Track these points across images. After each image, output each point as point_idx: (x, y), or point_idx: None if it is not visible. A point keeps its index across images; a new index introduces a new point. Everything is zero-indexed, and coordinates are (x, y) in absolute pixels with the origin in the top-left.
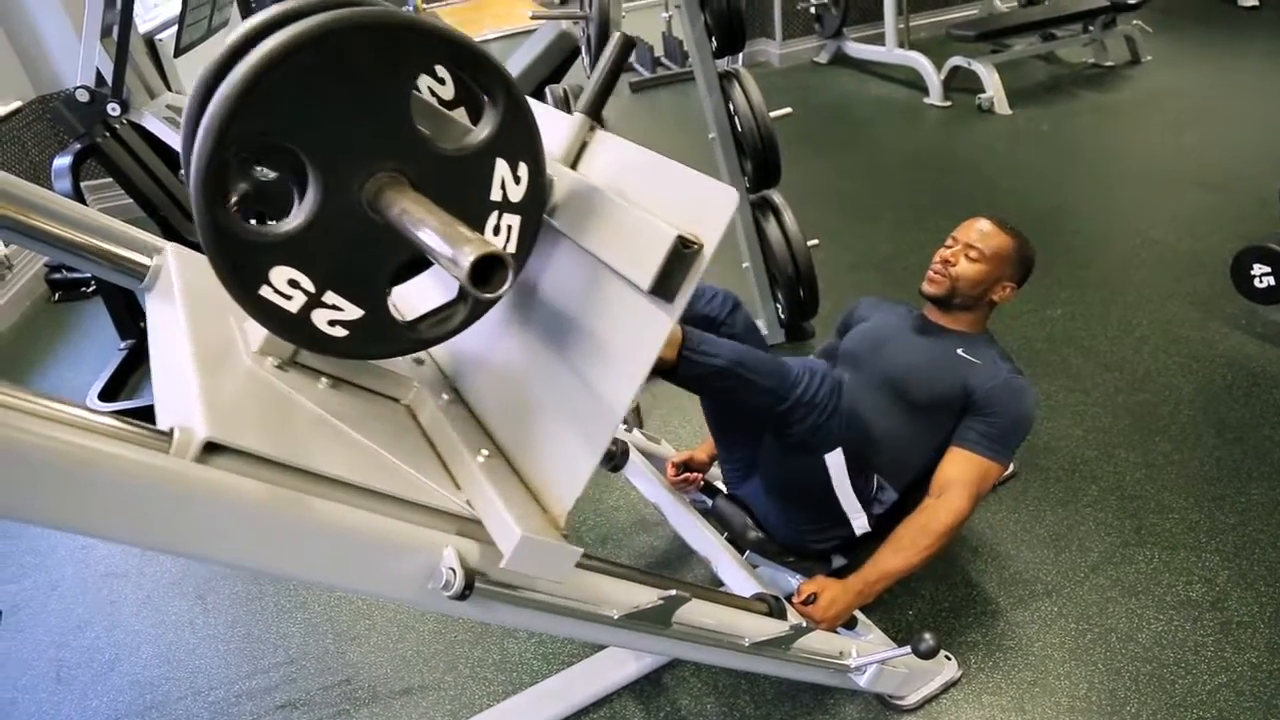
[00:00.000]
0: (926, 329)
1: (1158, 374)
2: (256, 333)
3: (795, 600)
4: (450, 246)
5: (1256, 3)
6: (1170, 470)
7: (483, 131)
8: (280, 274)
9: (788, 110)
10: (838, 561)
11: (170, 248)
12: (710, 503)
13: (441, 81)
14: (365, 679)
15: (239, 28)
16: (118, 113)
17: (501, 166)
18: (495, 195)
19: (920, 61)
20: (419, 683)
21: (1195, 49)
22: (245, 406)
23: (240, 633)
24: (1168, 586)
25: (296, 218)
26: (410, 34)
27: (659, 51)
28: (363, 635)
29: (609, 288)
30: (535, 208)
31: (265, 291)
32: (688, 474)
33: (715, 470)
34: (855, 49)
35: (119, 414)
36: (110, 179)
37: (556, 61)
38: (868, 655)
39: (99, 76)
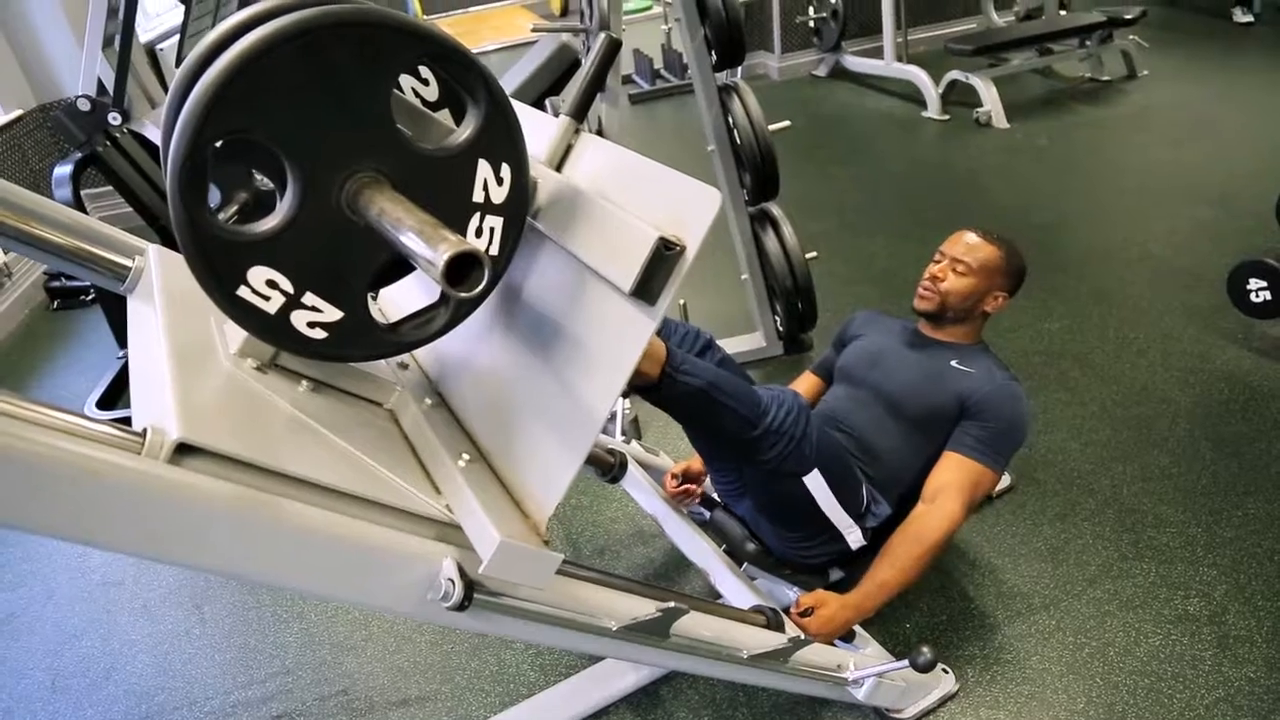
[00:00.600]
0: (920, 344)
1: (1155, 387)
2: (236, 334)
3: (793, 613)
4: (427, 246)
5: (1252, 18)
6: (1167, 484)
7: (464, 132)
8: (258, 274)
9: (786, 123)
10: (835, 574)
11: (152, 249)
12: (708, 515)
13: (425, 82)
14: (362, 690)
15: (220, 24)
16: (119, 122)
17: (484, 168)
18: (477, 197)
19: (918, 75)
20: (416, 694)
21: (1191, 64)
22: (221, 408)
23: (237, 643)
24: (1165, 600)
25: (275, 217)
26: (391, 32)
27: (658, 64)
28: (359, 646)
29: (592, 291)
30: (518, 210)
31: (243, 292)
32: (686, 485)
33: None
34: (854, 62)
35: (116, 422)
36: (110, 187)
37: (557, 74)
38: (865, 668)
39: (100, 86)
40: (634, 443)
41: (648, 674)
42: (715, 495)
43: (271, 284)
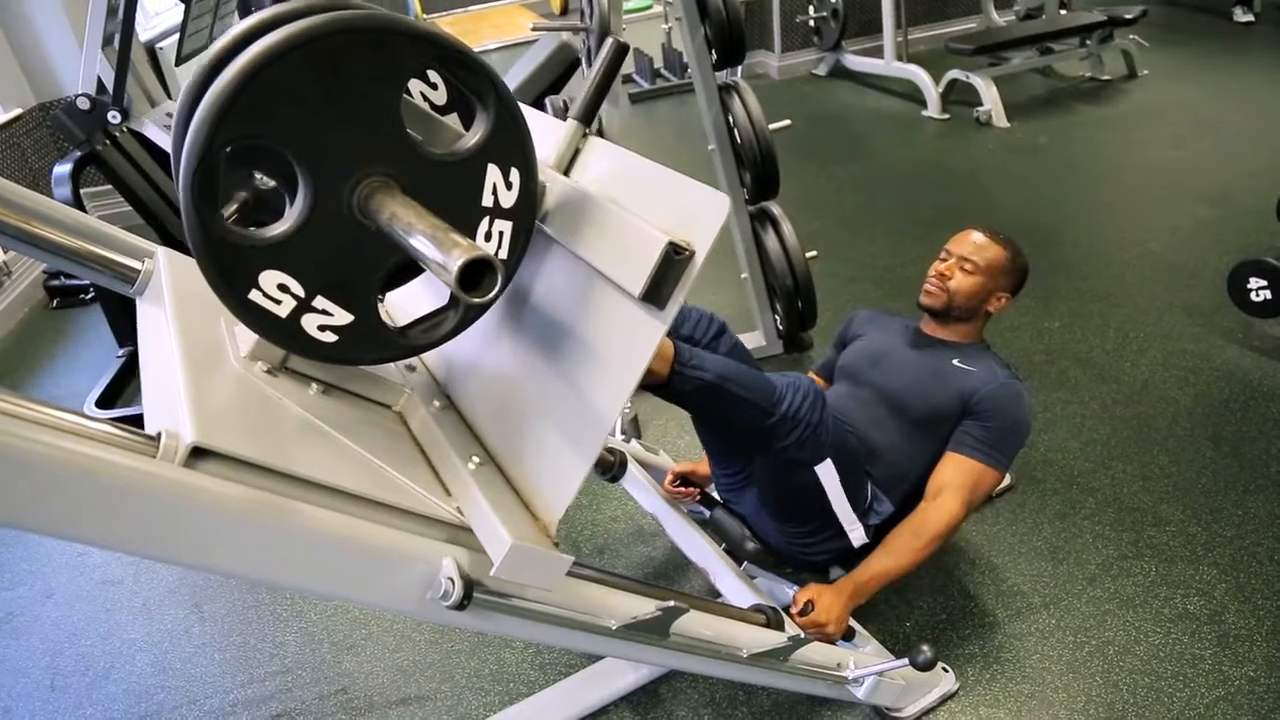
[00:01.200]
0: (922, 342)
1: (1155, 386)
2: (247, 338)
3: (792, 611)
4: (439, 251)
5: (1252, 18)
6: (1167, 483)
7: (474, 136)
8: (270, 278)
9: (787, 122)
10: (836, 572)
11: (161, 252)
12: (708, 514)
13: (434, 86)
14: (361, 689)
15: (230, 29)
16: (118, 121)
17: (493, 172)
18: (487, 201)
19: (918, 74)
20: (415, 693)
21: (1191, 64)
22: (233, 411)
23: (236, 641)
24: (1165, 599)
25: (286, 221)
26: (400, 37)
27: (659, 63)
28: (359, 645)
29: (601, 295)
30: (527, 214)
31: (254, 296)
32: (685, 486)
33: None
34: (854, 62)
35: (116, 420)
36: (110, 186)
37: (557, 72)
38: (865, 667)
39: (100, 84)
40: (634, 441)
41: (647, 673)
42: (715, 494)
43: (283, 288)
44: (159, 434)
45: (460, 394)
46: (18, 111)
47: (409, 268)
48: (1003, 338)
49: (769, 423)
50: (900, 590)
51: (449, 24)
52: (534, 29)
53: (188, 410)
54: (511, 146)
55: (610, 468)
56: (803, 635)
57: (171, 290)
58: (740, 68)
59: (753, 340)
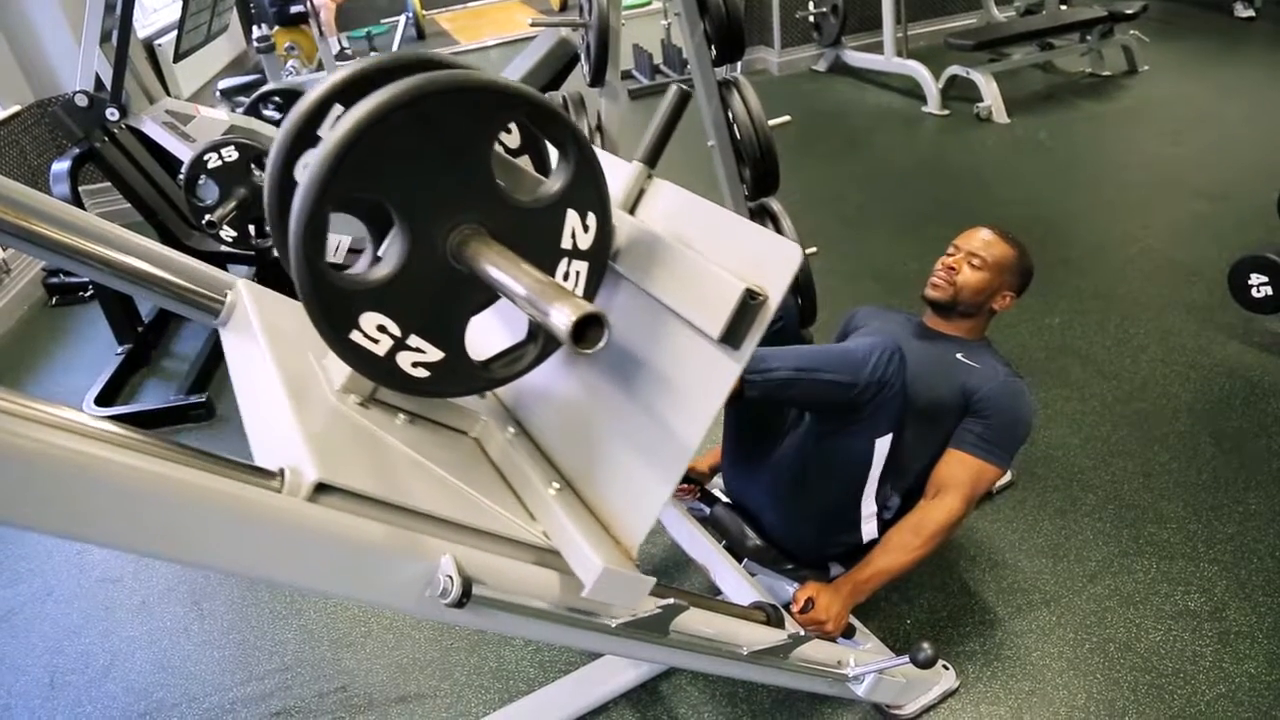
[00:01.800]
0: (926, 335)
1: (1155, 383)
2: (339, 371)
3: (792, 609)
4: (551, 305)
5: (1253, 13)
6: (1168, 479)
7: (555, 184)
8: (369, 319)
9: (786, 118)
10: (835, 570)
11: (241, 284)
12: (708, 511)
13: (508, 131)
14: (361, 686)
15: (320, 84)
16: (116, 117)
17: (572, 216)
18: (565, 243)
19: (918, 70)
20: (415, 690)
21: (1192, 59)
22: (342, 446)
23: (236, 639)
24: (1166, 596)
25: (385, 267)
26: (494, 95)
27: (658, 59)
28: (359, 642)
29: (675, 332)
30: (601, 254)
31: (355, 336)
32: (684, 483)
33: (714, 479)
34: (854, 57)
35: (117, 419)
36: (108, 183)
37: (556, 69)
38: (866, 664)
39: (98, 81)
40: None
41: (648, 670)
42: (715, 491)
43: (381, 328)
44: (281, 470)
45: (531, 420)
46: (16, 108)
47: (486, 302)
48: (1003, 334)
49: (852, 395)
50: (900, 588)
51: (448, 20)
52: (533, 25)
53: (305, 447)
54: (589, 192)
55: None
56: (803, 633)
57: (260, 323)
58: (740, 63)
59: None
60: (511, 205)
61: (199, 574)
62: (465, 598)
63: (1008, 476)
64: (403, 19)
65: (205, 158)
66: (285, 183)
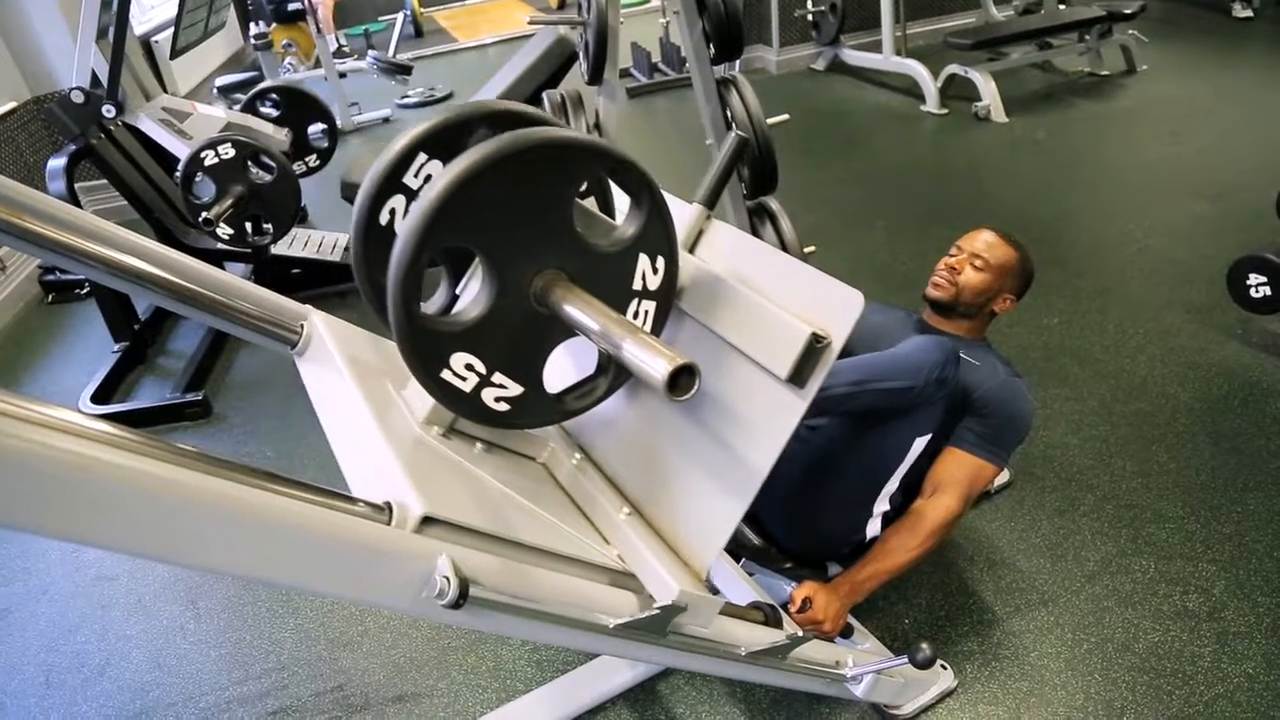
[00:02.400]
0: (926, 330)
1: (1154, 383)
2: (420, 403)
3: (790, 609)
4: (645, 355)
5: (1251, 13)
6: (1166, 479)
7: (628, 230)
8: (459, 359)
9: (785, 117)
10: (833, 570)
11: (315, 315)
12: None
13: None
14: (358, 685)
15: (403, 136)
16: (113, 114)
17: (643, 260)
18: (636, 285)
19: (917, 69)
20: (412, 690)
21: (1190, 59)
22: (438, 479)
23: (232, 638)
24: (1164, 596)
25: (474, 309)
26: (576, 151)
27: (656, 57)
28: (355, 641)
29: (741, 369)
30: (668, 294)
31: (445, 374)
32: None
33: None
34: (852, 56)
35: (112, 417)
36: (104, 180)
37: (554, 67)
38: (864, 664)
39: (94, 78)
40: None
41: (645, 670)
42: None
43: (469, 366)
44: (388, 504)
45: (596, 447)
46: (11, 105)
47: (562, 340)
48: (1001, 334)
49: (911, 396)
50: (898, 587)
51: (446, 18)
52: (531, 23)
53: (407, 482)
54: (659, 237)
55: None
56: (800, 633)
57: (341, 356)
58: (738, 62)
59: None
60: (589, 250)
61: (195, 573)
62: (462, 598)
63: (1006, 476)
64: (400, 16)
65: (202, 155)
66: (371, 225)
